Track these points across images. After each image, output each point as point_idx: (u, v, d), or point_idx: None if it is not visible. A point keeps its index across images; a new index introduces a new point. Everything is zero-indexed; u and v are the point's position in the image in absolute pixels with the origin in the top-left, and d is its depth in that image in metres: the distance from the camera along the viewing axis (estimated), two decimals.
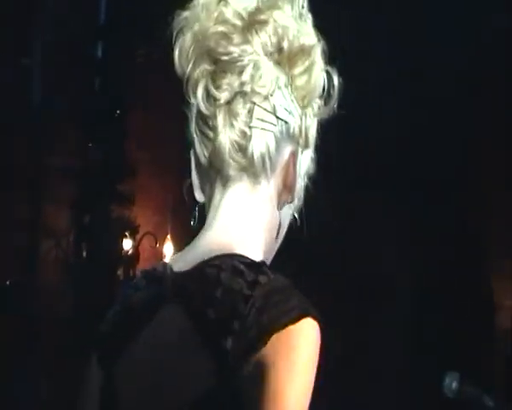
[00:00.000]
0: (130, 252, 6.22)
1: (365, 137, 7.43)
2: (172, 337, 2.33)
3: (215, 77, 2.37)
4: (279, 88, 2.42)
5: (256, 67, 2.40)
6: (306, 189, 2.53)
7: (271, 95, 2.39)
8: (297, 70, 2.41)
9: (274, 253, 2.53)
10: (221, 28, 2.38)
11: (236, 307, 2.25)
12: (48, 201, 6.35)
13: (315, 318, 2.23)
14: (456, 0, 7.87)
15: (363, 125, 7.28)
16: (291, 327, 2.20)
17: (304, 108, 2.43)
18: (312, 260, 7.16)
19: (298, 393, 2.27)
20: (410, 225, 8.39)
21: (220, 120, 2.36)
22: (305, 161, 2.54)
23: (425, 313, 8.21)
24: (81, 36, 6.19)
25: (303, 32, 2.42)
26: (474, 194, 8.45)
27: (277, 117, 2.41)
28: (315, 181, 2.59)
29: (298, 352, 2.27)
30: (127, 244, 6.26)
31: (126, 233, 6.30)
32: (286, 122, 2.42)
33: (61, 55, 6.11)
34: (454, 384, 3.50)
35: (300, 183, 2.51)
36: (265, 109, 2.40)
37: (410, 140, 7.98)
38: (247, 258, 2.37)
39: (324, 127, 2.43)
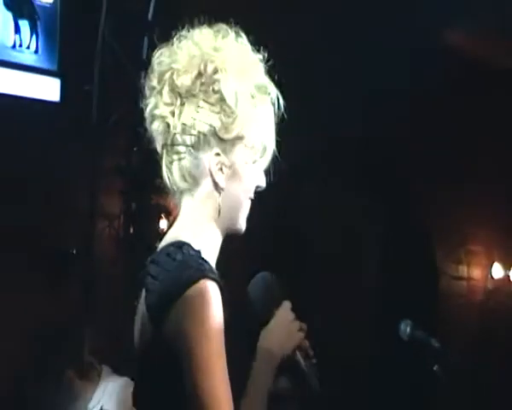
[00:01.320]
0: (165, 230, 6.36)
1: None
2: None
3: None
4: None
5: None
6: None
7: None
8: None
9: (232, 224, 3.14)
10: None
11: (159, 278, 2.97)
12: (104, 191, 6.96)
13: (212, 280, 2.91)
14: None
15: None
16: (187, 293, 2.87)
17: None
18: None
19: (201, 340, 2.92)
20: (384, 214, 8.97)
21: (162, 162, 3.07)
22: (240, 152, 3.10)
23: (390, 277, 8.73)
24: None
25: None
26: (425, 190, 9.12)
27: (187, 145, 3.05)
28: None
29: (195, 311, 2.91)
30: (163, 224, 6.90)
31: (162, 215, 6.94)
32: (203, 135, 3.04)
33: (114, 82, 6.69)
34: (408, 330, 4.06)
35: (241, 169, 3.08)
36: (179, 144, 3.04)
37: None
38: (179, 242, 3.00)
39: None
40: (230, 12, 3.25)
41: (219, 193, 3.10)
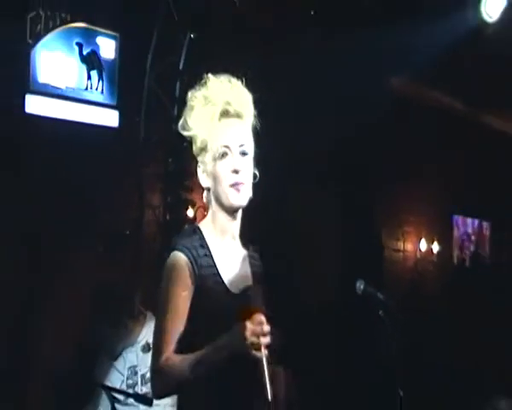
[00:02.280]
0: (191, 217, 6.70)
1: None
2: None
3: None
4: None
5: None
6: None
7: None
8: None
9: (222, 204, 3.13)
10: None
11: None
12: (149, 189, 6.93)
13: (180, 251, 2.98)
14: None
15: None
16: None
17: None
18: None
19: (163, 299, 3.01)
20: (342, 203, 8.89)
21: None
22: (209, 161, 3.14)
23: (350, 250, 8.54)
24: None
25: None
26: (374, 188, 9.14)
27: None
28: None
29: (164, 274, 3.00)
30: (190, 213, 6.76)
31: (189, 206, 6.80)
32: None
33: (155, 113, 6.69)
34: (361, 286, 3.99)
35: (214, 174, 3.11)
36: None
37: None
38: (193, 225, 3.19)
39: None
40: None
41: (207, 189, 3.19)
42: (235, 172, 3.11)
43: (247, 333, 2.79)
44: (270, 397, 2.80)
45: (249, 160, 3.19)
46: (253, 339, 2.80)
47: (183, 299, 3.01)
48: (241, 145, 3.15)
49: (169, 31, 6.63)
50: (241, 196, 3.14)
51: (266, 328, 2.84)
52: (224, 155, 3.12)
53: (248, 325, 2.81)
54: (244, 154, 3.15)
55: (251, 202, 3.18)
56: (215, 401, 3.04)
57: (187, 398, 3.16)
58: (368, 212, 9.29)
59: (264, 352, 2.82)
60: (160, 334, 3.03)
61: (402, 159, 9.39)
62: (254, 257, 3.31)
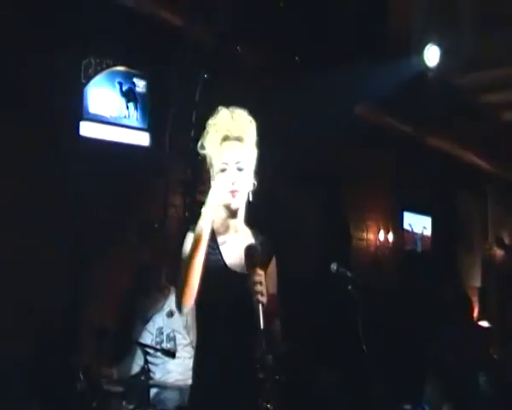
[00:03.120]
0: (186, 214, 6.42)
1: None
2: None
3: None
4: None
5: None
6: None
7: None
8: None
9: (228, 213, 3.16)
10: None
11: None
12: (172, 192, 6.83)
13: (191, 231, 3.10)
14: None
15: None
16: None
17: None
18: None
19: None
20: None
21: None
22: (215, 174, 3.16)
23: (326, 238, 8.51)
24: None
25: None
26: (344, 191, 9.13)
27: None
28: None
29: None
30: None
31: (202, 206, 6.94)
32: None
33: (177, 134, 6.54)
34: (334, 267, 3.96)
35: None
36: None
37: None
38: None
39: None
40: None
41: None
42: (232, 183, 3.12)
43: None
44: (262, 326, 2.93)
45: (245, 173, 3.19)
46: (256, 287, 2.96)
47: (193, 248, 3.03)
48: (238, 162, 3.16)
49: (187, 72, 6.53)
50: (237, 201, 3.15)
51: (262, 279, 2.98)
52: (223, 170, 3.14)
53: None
54: (240, 169, 3.16)
55: (254, 200, 3.22)
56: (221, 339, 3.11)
57: (200, 347, 3.22)
58: (339, 209, 9.22)
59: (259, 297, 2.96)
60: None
61: (366, 168, 9.33)
62: (263, 242, 3.26)
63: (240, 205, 3.18)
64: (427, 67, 6.97)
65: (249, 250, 3.08)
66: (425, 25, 7.05)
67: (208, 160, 3.21)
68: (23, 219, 5.59)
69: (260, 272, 3.01)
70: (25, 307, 5.29)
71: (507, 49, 7.42)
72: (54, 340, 5.50)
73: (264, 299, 3.00)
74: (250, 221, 3.29)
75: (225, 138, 3.18)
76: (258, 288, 2.97)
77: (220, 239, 3.16)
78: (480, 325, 9.18)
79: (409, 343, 6.74)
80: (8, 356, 5.08)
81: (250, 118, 3.24)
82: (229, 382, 3.07)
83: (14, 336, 5.24)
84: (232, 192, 3.13)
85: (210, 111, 3.28)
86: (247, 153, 3.21)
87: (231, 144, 3.19)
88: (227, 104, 3.25)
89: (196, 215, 5.77)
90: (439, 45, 6.90)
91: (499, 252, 12.57)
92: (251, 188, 3.23)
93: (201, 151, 3.22)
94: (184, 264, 3.02)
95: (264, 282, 3.00)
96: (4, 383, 4.82)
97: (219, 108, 3.23)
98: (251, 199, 3.23)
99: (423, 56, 6.90)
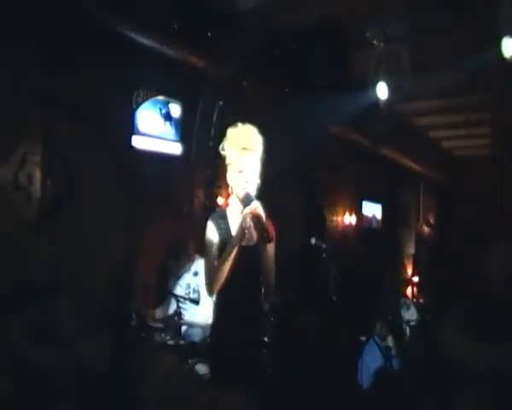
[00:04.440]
0: (221, 203, 6.39)
1: None
2: None
3: None
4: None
5: None
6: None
7: None
8: None
9: (239, 202, 3.09)
10: None
11: None
12: (196, 186, 6.76)
13: (211, 220, 3.09)
14: None
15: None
16: None
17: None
18: None
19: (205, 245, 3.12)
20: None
21: None
22: (232, 173, 3.14)
23: (306, 220, 8.38)
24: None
25: None
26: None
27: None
28: None
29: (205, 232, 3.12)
30: (220, 201, 6.47)
31: (219, 197, 6.52)
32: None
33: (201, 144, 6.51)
34: (313, 240, 3.90)
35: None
36: None
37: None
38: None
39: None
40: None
41: (231, 187, 3.18)
42: (245, 182, 3.09)
43: (249, 212, 2.98)
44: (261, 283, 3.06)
45: (255, 175, 3.13)
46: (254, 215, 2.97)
47: (214, 249, 3.07)
48: (250, 167, 3.10)
49: (208, 99, 6.52)
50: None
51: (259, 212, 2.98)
52: (240, 171, 3.08)
53: (248, 209, 2.99)
54: (252, 172, 3.11)
55: (258, 193, 3.16)
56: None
57: (217, 297, 3.15)
58: (317, 200, 9.08)
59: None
60: (207, 265, 3.10)
61: (336, 171, 9.26)
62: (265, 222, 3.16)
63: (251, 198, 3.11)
64: (378, 99, 6.87)
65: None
66: (377, 69, 6.83)
67: (228, 161, 3.15)
68: (96, 200, 5.60)
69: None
70: (99, 263, 5.27)
71: (435, 86, 7.43)
72: (117, 289, 5.44)
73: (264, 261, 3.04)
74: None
75: (243, 148, 3.09)
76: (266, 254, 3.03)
77: (232, 221, 3.13)
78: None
79: (365, 294, 6.66)
80: (86, 298, 5.08)
81: (258, 133, 3.17)
82: (238, 322, 3.06)
83: (91, 284, 5.24)
84: (244, 189, 3.07)
85: (224, 127, 3.24)
86: (256, 160, 3.14)
87: (247, 153, 3.10)
88: (240, 121, 3.19)
89: (214, 204, 5.66)
90: (387, 83, 6.85)
91: (427, 229, 12.70)
92: (256, 185, 3.15)
93: (223, 152, 3.14)
94: (215, 266, 3.02)
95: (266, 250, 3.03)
96: (85, 315, 4.81)
97: (237, 122, 3.16)
98: (255, 193, 3.15)
99: (376, 91, 6.82)
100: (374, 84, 6.91)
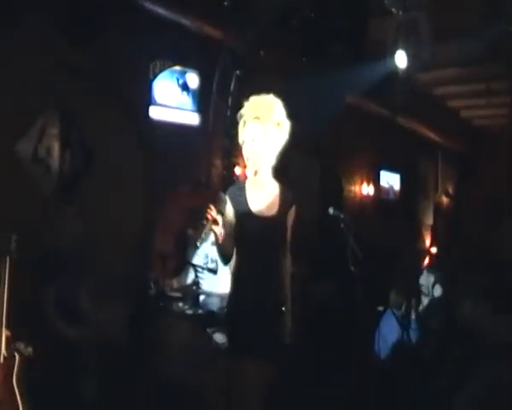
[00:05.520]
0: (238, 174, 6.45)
1: None
2: None
3: None
4: None
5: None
6: None
7: None
8: None
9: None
10: None
11: None
12: (215, 156, 6.78)
13: (227, 194, 3.04)
14: None
15: None
16: None
17: None
18: None
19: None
20: None
21: None
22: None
23: (323, 192, 8.29)
24: None
25: None
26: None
27: None
28: None
29: None
30: (237, 170, 6.48)
31: (236, 166, 6.52)
32: None
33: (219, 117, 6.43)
34: (331, 210, 3.82)
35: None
36: None
37: None
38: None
39: None
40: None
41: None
42: (247, 151, 3.08)
43: None
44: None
45: (261, 144, 3.04)
46: None
47: (229, 217, 3.00)
48: (253, 136, 3.03)
49: (225, 69, 6.40)
50: (250, 164, 3.08)
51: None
52: (243, 142, 3.06)
53: None
54: (254, 140, 3.03)
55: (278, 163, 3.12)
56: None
57: (235, 267, 3.11)
58: (335, 169, 9.04)
59: None
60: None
61: (354, 141, 9.17)
62: (285, 193, 3.15)
63: (252, 168, 3.06)
64: (397, 68, 6.74)
65: (285, 196, 3.10)
66: (396, 37, 6.71)
67: (239, 133, 3.09)
68: (114, 171, 5.64)
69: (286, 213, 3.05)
70: (117, 234, 5.30)
71: (454, 55, 7.32)
72: (135, 260, 5.51)
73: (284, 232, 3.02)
74: (276, 177, 3.18)
75: (255, 117, 3.01)
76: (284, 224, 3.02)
77: (250, 192, 3.08)
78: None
79: (383, 265, 6.66)
80: (105, 269, 5.11)
81: (276, 100, 3.07)
82: (256, 291, 3.01)
83: (110, 255, 5.28)
84: (247, 159, 3.05)
85: (241, 97, 3.19)
86: (264, 129, 3.03)
87: (254, 123, 3.02)
88: (255, 93, 3.11)
89: (231, 174, 5.63)
90: (406, 52, 6.75)
91: (445, 200, 12.55)
92: (273, 154, 3.07)
93: (238, 125, 3.08)
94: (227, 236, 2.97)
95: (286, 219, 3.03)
96: (105, 286, 4.82)
97: (251, 95, 3.08)
98: (274, 163, 3.10)
99: (395, 60, 6.72)
100: (392, 53, 6.79)
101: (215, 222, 2.91)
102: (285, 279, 3.04)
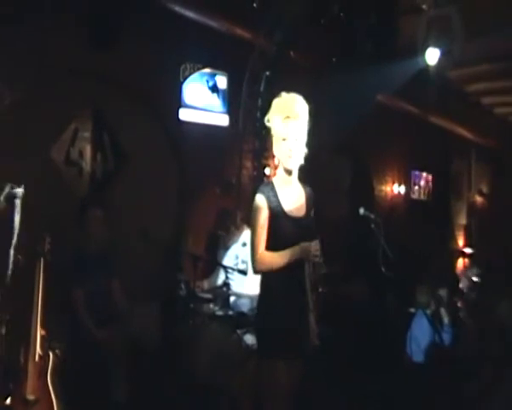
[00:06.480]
0: (268, 174, 6.43)
1: None
2: None
3: None
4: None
5: None
6: None
7: None
8: None
9: (285, 172, 3.07)
10: None
11: None
12: (245, 157, 6.74)
13: (260, 193, 3.01)
14: None
15: None
16: None
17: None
18: None
19: (253, 219, 3.03)
20: None
21: None
22: (277, 143, 3.07)
23: (354, 193, 8.45)
24: None
25: None
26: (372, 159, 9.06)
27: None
28: None
29: (253, 205, 3.04)
30: (267, 171, 6.45)
31: (266, 167, 6.49)
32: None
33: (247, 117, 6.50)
34: (362, 211, 3.82)
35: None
36: None
37: None
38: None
39: None
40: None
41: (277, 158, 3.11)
42: (289, 150, 3.03)
43: (312, 250, 2.98)
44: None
45: (300, 143, 3.05)
46: (314, 253, 2.99)
47: (263, 219, 2.97)
48: (294, 134, 3.02)
49: (254, 70, 6.44)
50: (293, 163, 3.05)
51: (318, 248, 3.01)
52: (283, 139, 3.02)
53: (312, 246, 2.98)
54: (296, 139, 3.02)
55: (305, 164, 3.10)
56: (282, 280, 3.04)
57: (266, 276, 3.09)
58: (366, 170, 8.97)
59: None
60: (254, 239, 3.00)
61: (385, 140, 9.07)
62: (309, 194, 3.17)
63: (295, 167, 3.06)
64: (428, 65, 6.63)
65: (310, 198, 3.12)
66: (426, 34, 6.61)
67: (273, 132, 3.07)
68: (145, 173, 5.68)
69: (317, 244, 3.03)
70: (148, 235, 5.27)
71: (487, 51, 7.30)
72: (166, 261, 5.55)
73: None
74: (301, 178, 3.18)
75: (286, 117, 3.02)
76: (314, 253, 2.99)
77: (280, 192, 3.06)
78: None
79: (415, 266, 6.56)
80: (136, 270, 5.17)
81: (304, 102, 3.09)
82: (285, 291, 3.01)
83: (140, 255, 5.24)
84: (289, 157, 3.01)
85: (271, 98, 3.18)
86: (301, 128, 3.05)
87: (290, 121, 3.02)
88: (286, 92, 3.12)
89: (261, 174, 5.62)
90: (437, 49, 6.65)
91: (479, 199, 12.36)
92: (303, 154, 3.08)
93: (268, 124, 3.08)
94: (253, 222, 2.99)
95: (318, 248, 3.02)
96: (136, 287, 4.86)
97: (281, 93, 3.09)
98: (302, 162, 3.10)
99: (425, 57, 6.60)
100: (423, 51, 6.70)
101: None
102: (313, 279, 3.04)
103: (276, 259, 2.97)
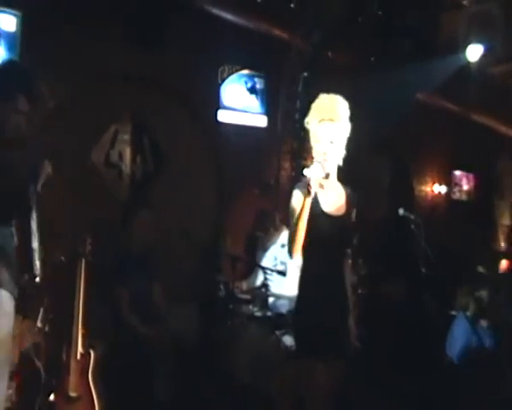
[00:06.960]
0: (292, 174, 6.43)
1: None
2: None
3: None
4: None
5: None
6: None
7: None
8: None
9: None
10: None
11: None
12: (283, 158, 6.69)
13: (297, 188, 3.11)
14: None
15: None
16: None
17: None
18: None
19: (291, 217, 3.03)
20: None
21: None
22: (314, 144, 3.07)
23: (394, 192, 8.32)
24: None
25: None
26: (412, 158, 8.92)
27: None
28: None
29: (291, 202, 3.08)
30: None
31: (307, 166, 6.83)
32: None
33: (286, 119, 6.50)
34: (401, 211, 3.87)
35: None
36: None
37: None
38: None
39: None
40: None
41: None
42: (324, 153, 3.00)
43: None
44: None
45: (336, 145, 3.03)
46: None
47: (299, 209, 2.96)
48: (329, 137, 3.00)
49: (292, 71, 6.43)
50: (327, 166, 3.00)
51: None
52: (318, 142, 3.03)
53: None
54: (331, 142, 3.00)
55: (344, 165, 3.08)
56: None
57: (303, 269, 3.10)
58: (406, 169, 8.86)
59: None
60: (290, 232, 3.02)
61: (425, 139, 8.87)
62: (350, 194, 3.14)
63: (329, 170, 3.02)
64: (469, 62, 6.54)
65: (351, 198, 3.11)
66: (468, 30, 6.60)
67: (310, 134, 3.06)
68: (184, 174, 5.73)
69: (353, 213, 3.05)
70: (188, 236, 5.25)
71: None
72: (205, 262, 5.57)
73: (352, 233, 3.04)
74: (341, 179, 3.15)
75: (322, 120, 3.01)
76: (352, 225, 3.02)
77: (318, 194, 3.05)
78: None
79: (456, 267, 6.45)
80: (176, 270, 5.22)
81: (343, 101, 3.07)
82: (324, 293, 2.98)
83: (180, 256, 5.36)
84: (324, 160, 2.98)
85: (309, 99, 3.17)
86: (337, 130, 3.03)
87: (326, 124, 3.00)
88: (324, 93, 3.10)
89: (300, 175, 5.61)
90: (479, 45, 6.53)
91: None
92: (340, 156, 3.06)
93: (307, 126, 3.07)
94: (294, 224, 2.94)
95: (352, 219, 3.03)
96: (176, 287, 4.90)
97: (320, 94, 3.08)
98: (340, 164, 3.07)
99: (467, 54, 6.52)
100: (464, 47, 6.62)
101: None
102: (353, 282, 3.03)
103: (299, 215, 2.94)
